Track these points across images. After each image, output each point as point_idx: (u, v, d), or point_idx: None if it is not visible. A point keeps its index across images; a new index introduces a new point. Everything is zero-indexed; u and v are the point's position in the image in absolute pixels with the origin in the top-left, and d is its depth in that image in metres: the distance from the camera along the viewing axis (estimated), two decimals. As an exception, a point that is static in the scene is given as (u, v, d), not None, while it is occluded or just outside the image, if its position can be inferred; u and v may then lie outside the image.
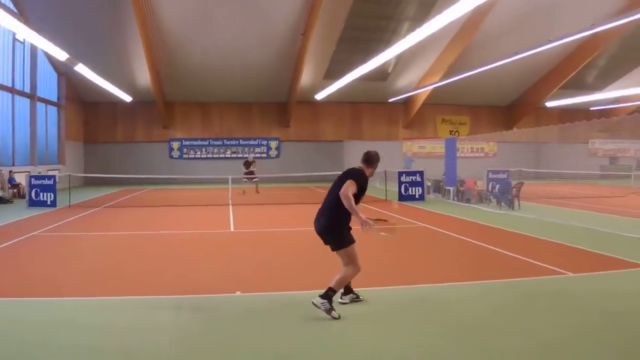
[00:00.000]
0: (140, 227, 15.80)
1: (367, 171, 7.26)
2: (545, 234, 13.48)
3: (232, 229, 15.51)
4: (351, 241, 7.02)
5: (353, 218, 6.94)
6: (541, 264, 9.83)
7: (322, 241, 7.13)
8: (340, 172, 7.18)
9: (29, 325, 6.62)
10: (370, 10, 30.22)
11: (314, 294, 6.89)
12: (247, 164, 27.95)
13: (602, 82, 40.51)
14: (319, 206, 7.21)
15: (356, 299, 7.45)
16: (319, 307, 6.72)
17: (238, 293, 7.74)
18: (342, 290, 7.31)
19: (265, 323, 6.64)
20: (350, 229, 7.11)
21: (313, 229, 7.06)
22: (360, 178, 7.00)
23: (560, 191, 27.27)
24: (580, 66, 36.01)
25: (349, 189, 6.78)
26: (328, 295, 6.75)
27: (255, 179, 27.49)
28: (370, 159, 7.33)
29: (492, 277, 8.99)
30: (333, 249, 7.07)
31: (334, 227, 7.02)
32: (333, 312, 6.74)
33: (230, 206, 21.10)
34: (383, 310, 7.15)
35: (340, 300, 7.29)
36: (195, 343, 5.98)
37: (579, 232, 13.92)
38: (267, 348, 5.82)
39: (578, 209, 19.76)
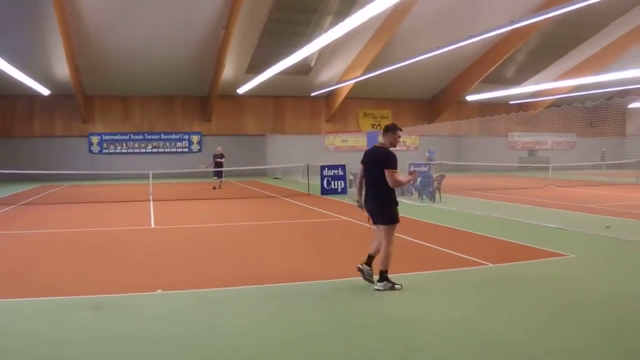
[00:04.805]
0: (58, 225, 14.99)
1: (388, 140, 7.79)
2: (465, 225, 13.62)
3: (152, 225, 15.06)
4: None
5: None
6: (462, 255, 9.83)
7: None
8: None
9: None
10: (293, 4, 30.08)
11: (233, 290, 7.28)
12: (218, 157, 26.62)
13: (521, 76, 41.80)
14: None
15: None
16: (383, 290, 7.38)
17: (159, 291, 7.48)
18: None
19: (185, 321, 6.43)
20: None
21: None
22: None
23: (481, 183, 27.85)
24: (499, 61, 36.95)
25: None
26: (383, 277, 7.45)
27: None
28: (386, 128, 7.92)
29: (412, 269, 8.82)
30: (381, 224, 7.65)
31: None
32: (396, 285, 7.46)
33: (151, 202, 20.58)
34: (287, 305, 7.00)
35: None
36: (113, 343, 5.66)
37: (499, 223, 14.13)
38: (187, 346, 5.59)
39: (498, 200, 20.18)
